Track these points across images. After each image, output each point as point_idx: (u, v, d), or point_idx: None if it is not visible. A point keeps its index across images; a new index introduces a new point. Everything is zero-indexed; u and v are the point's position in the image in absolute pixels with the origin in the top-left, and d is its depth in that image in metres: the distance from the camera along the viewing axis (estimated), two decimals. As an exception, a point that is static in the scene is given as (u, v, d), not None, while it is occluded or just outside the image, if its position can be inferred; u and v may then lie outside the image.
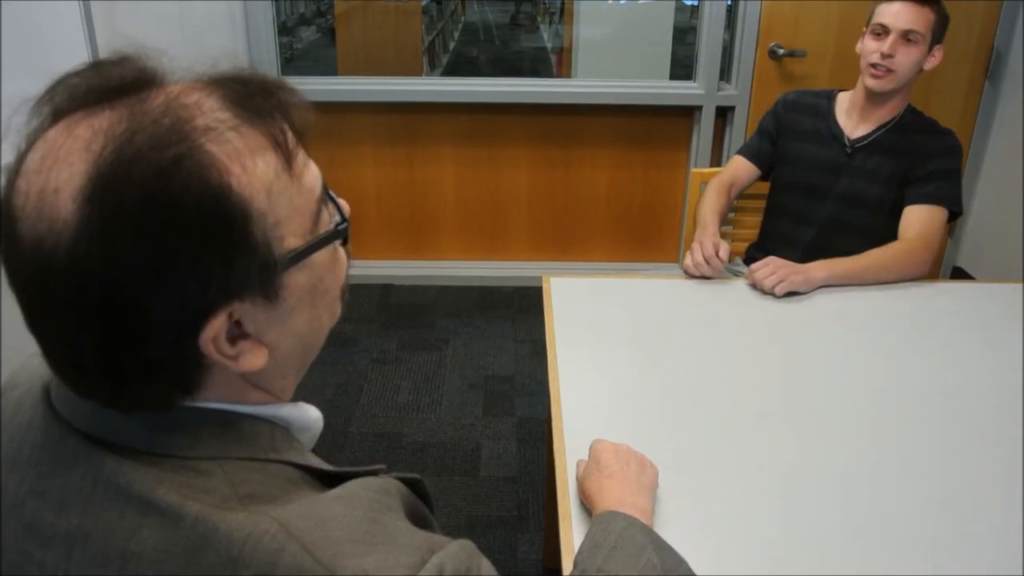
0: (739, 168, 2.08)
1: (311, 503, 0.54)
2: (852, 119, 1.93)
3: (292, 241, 0.55)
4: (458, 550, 0.56)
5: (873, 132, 1.90)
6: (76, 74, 0.53)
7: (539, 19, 8.48)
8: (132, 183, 0.47)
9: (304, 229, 0.56)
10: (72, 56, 1.86)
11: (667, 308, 1.60)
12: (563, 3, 4.74)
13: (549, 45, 6.66)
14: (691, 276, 1.75)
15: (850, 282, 1.71)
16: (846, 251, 1.76)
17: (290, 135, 0.55)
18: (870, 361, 1.42)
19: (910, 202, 1.84)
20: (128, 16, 2.11)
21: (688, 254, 1.78)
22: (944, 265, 3.33)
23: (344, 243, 0.61)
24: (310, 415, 0.64)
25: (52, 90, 0.52)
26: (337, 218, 0.60)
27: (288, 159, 0.55)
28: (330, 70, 3.99)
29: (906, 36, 1.78)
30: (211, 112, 0.51)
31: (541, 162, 3.28)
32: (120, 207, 0.47)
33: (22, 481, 0.56)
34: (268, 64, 3.04)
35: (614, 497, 0.96)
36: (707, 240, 1.77)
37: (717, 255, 1.73)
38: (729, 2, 3.04)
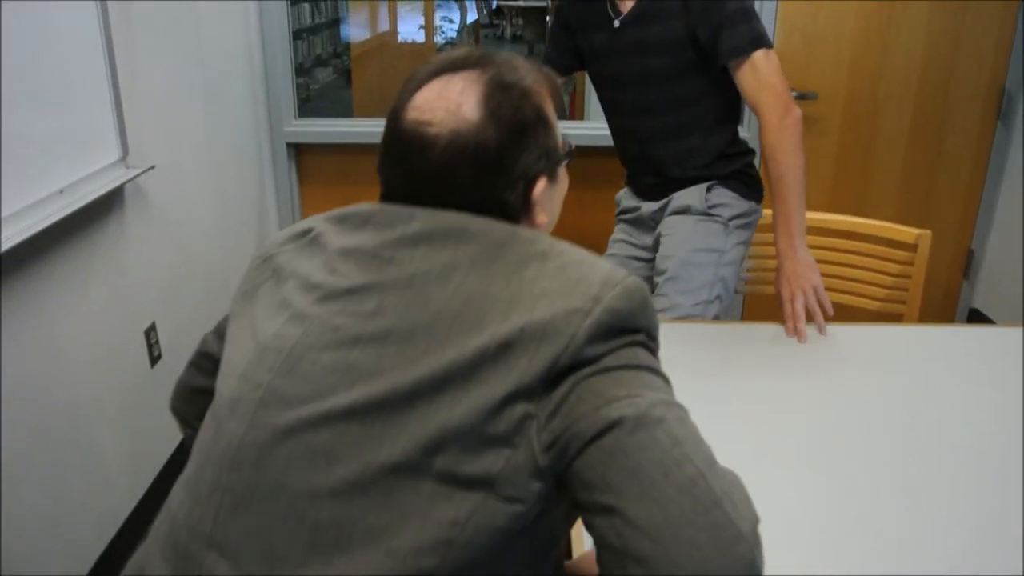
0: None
1: None
2: None
3: (562, 146, 0.92)
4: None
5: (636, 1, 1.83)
6: (437, 61, 0.89)
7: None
8: (508, 98, 0.84)
9: (562, 146, 0.92)
10: (89, 62, 1.88)
11: (671, 348, 1.59)
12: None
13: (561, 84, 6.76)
14: None
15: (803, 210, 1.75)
16: (669, 128, 1.87)
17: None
18: (882, 406, 1.40)
19: (724, 67, 1.75)
20: (148, 56, 2.15)
21: None
22: (960, 307, 3.31)
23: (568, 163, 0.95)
24: None
25: (421, 69, 0.88)
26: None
27: (557, 104, 0.91)
28: (345, 111, 4.04)
29: None
30: (524, 69, 0.89)
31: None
32: (502, 108, 0.84)
33: None
34: (285, 106, 3.08)
35: None
36: None
37: None
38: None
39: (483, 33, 12.08)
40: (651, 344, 0.80)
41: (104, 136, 1.91)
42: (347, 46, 4.36)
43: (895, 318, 2.04)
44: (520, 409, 0.71)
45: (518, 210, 0.85)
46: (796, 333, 1.65)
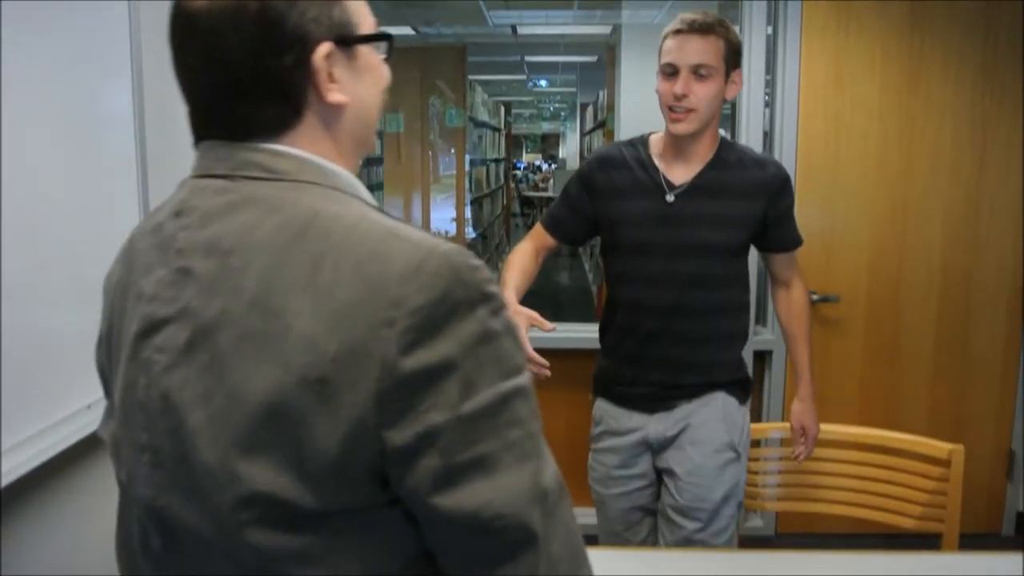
0: (542, 238, 2.02)
1: None
2: (670, 164, 1.85)
3: (364, 29, 0.83)
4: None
5: (695, 174, 1.83)
6: None
7: (581, 251, 8.82)
8: None
9: (369, 29, 0.84)
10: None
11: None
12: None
13: (591, 276, 6.82)
14: None
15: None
16: (702, 305, 1.84)
17: None
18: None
19: (775, 249, 1.96)
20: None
21: None
22: (1007, 511, 3.17)
23: (386, 59, 0.87)
24: (367, 194, 0.85)
25: None
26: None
27: None
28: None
29: (696, 71, 1.72)
30: None
31: (581, 405, 3.28)
32: None
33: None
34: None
35: None
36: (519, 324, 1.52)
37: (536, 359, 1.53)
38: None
39: (513, 223, 12.58)
40: (486, 317, 0.72)
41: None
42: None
43: (934, 536, 1.96)
44: (363, 459, 0.70)
45: (302, 82, 0.78)
46: (797, 454, 2.01)
